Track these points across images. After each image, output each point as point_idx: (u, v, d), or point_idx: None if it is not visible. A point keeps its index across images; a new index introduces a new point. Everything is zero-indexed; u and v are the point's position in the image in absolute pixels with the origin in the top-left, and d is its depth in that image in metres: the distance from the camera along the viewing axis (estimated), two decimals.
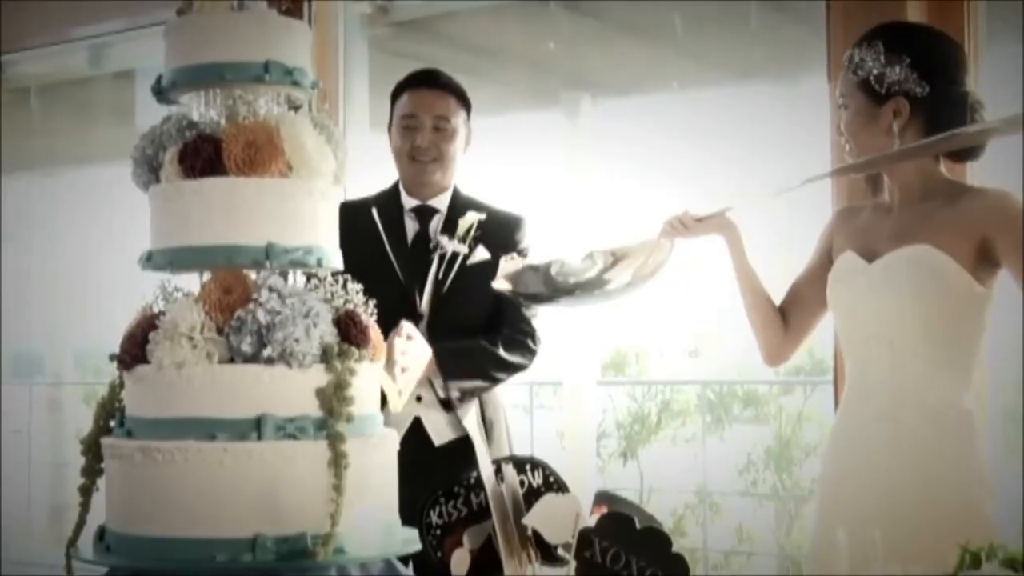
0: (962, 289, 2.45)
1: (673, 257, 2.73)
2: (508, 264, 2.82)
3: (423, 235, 3.19)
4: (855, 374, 2.60)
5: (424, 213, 3.20)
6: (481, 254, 3.15)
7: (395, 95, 3.26)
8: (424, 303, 3.14)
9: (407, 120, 3.18)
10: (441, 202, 3.21)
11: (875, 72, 2.51)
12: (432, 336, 3.06)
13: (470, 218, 3.10)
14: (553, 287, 2.73)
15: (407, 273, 3.12)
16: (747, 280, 2.74)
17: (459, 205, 3.19)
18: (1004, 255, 2.42)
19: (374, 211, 3.17)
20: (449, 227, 3.15)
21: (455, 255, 3.12)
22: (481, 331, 3.15)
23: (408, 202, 3.21)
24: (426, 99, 3.18)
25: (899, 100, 2.52)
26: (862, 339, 2.56)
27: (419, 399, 3.05)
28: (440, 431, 3.09)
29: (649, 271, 2.73)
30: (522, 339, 3.17)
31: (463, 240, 3.13)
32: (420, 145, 3.16)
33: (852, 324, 2.59)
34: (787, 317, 2.74)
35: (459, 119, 3.19)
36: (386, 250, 3.13)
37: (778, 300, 2.75)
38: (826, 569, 2.51)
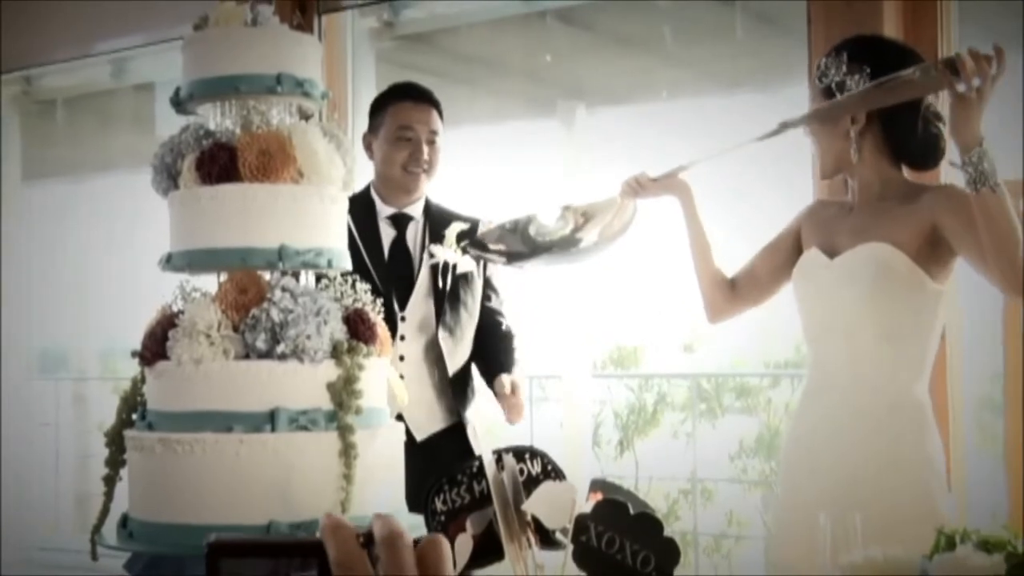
0: (915, 284, 2.45)
1: (638, 220, 2.77)
2: (485, 227, 2.85)
3: (400, 242, 3.20)
4: (816, 365, 2.60)
5: (400, 220, 3.21)
6: (468, 263, 3.16)
7: (380, 106, 3.24)
8: (411, 310, 3.15)
9: (403, 131, 3.16)
10: (415, 210, 3.22)
11: (836, 80, 2.52)
12: (446, 343, 3.12)
13: (456, 227, 3.13)
14: (532, 245, 2.76)
15: (384, 279, 3.11)
16: (697, 239, 2.76)
17: (432, 212, 3.21)
18: (954, 237, 2.40)
19: (348, 219, 3.17)
20: (433, 235, 3.17)
21: (446, 264, 3.15)
22: (475, 332, 3.21)
23: (384, 210, 3.21)
24: (418, 113, 3.18)
25: None
26: (823, 331, 2.57)
27: None
28: (421, 427, 3.10)
29: (615, 231, 2.76)
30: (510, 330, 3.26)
31: (455, 251, 3.15)
32: (421, 158, 3.15)
33: (814, 317, 2.60)
34: (738, 284, 2.76)
35: (441, 132, 3.21)
36: (362, 256, 3.11)
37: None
38: (788, 551, 2.52)
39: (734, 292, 2.75)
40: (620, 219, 2.76)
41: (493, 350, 3.22)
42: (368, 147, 3.26)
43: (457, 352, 3.20)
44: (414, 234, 3.20)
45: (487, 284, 3.26)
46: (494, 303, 3.27)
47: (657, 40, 4.61)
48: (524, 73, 4.89)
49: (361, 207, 3.19)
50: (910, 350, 2.48)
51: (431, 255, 3.16)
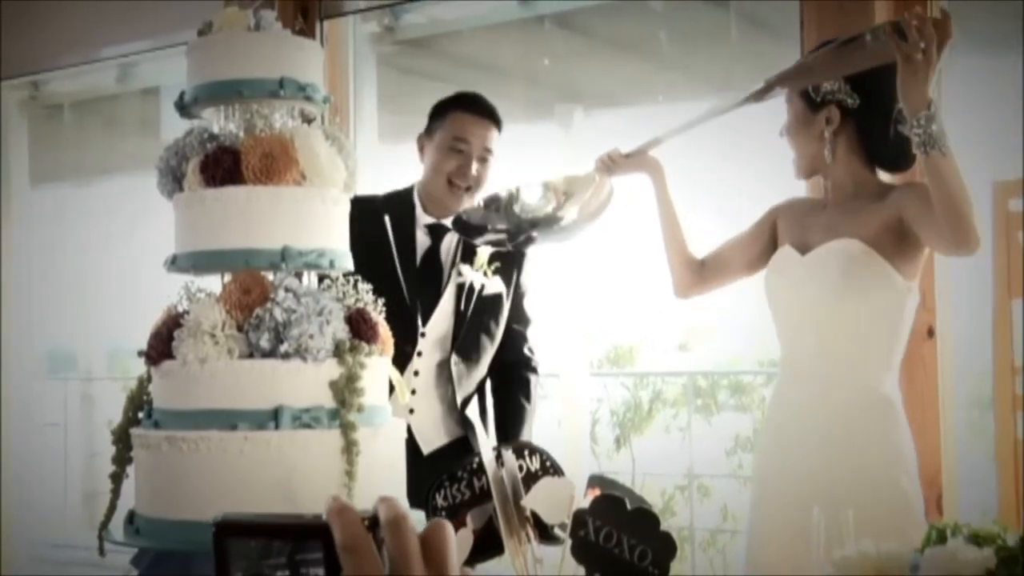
0: (883, 280, 2.45)
1: (639, 222, 2.79)
2: (470, 208, 2.82)
3: (434, 252, 3.09)
4: (787, 360, 2.61)
5: (438, 231, 3.09)
6: (497, 285, 3.07)
7: (441, 111, 3.11)
8: (432, 326, 3.05)
9: (457, 143, 3.04)
10: None
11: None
12: (458, 368, 3.06)
13: (489, 248, 2.99)
14: (516, 223, 2.75)
15: (412, 288, 3.03)
16: (667, 217, 2.78)
17: None
18: (916, 221, 2.40)
19: (386, 219, 3.07)
20: (467, 249, 3.05)
21: (472, 286, 3.05)
22: (490, 361, 3.14)
23: (423, 218, 3.09)
24: (478, 127, 3.05)
25: (831, 108, 2.53)
26: (795, 327, 2.57)
27: (411, 411, 2.98)
28: (428, 441, 3.07)
29: (593, 210, 2.78)
30: (528, 375, 3.19)
31: (485, 273, 3.05)
32: (469, 173, 3.03)
33: (786, 313, 2.60)
34: (707, 266, 2.77)
35: (495, 152, 3.09)
36: (394, 261, 3.04)
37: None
38: (767, 548, 2.52)
39: (702, 274, 2.76)
40: (597, 198, 2.78)
41: (505, 396, 3.15)
42: (421, 149, 3.13)
43: (470, 377, 3.12)
44: (448, 247, 3.08)
45: (516, 306, 3.14)
46: (519, 327, 3.17)
47: (653, 44, 4.62)
48: (522, 77, 4.89)
49: (400, 208, 3.10)
50: (878, 345, 2.49)
51: (459, 274, 3.05)
